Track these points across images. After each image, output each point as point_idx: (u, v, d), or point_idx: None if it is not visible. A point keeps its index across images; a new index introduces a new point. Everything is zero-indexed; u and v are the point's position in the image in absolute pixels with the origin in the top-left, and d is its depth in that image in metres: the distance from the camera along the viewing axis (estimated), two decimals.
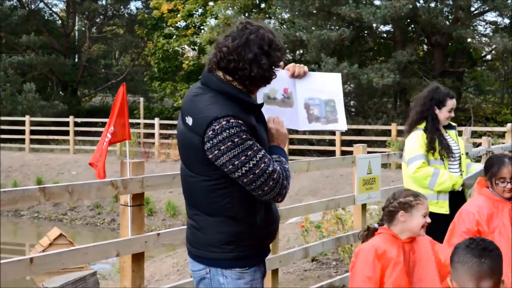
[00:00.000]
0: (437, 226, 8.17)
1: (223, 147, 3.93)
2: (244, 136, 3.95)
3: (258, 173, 3.96)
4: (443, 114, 7.89)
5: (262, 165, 3.96)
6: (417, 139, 7.91)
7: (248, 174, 3.95)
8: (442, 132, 7.95)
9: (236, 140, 3.94)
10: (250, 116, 4.10)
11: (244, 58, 4.02)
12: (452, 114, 7.93)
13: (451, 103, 7.90)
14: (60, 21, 49.23)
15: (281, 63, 4.35)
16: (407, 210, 5.25)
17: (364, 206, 9.66)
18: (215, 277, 4.16)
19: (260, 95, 4.26)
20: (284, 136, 4.24)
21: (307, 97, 4.31)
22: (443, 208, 7.83)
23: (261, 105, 4.22)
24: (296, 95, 4.31)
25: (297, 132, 22.80)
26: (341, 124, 4.36)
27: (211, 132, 3.93)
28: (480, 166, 7.96)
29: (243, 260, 4.15)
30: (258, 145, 4.00)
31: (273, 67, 4.10)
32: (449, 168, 7.88)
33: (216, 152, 3.94)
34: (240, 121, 3.97)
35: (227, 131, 3.93)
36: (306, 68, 4.35)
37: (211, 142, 3.94)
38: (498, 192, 5.90)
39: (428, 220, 5.38)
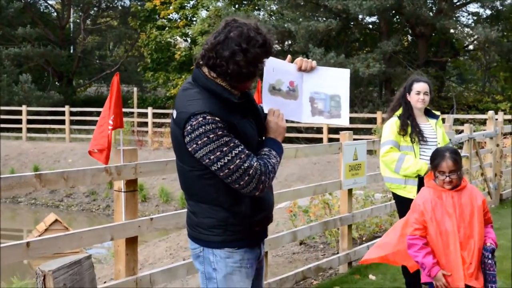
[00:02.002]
0: (405, 210, 8.27)
1: (199, 142, 3.98)
2: (220, 133, 3.99)
3: (233, 169, 3.99)
4: (413, 98, 7.96)
5: (238, 161, 3.98)
6: (390, 126, 8.02)
7: (223, 169, 3.99)
8: (416, 117, 7.99)
9: (211, 136, 3.97)
10: (233, 112, 4.11)
11: (221, 55, 4.03)
12: (423, 97, 7.94)
13: (417, 86, 7.95)
14: (55, 13, 49.07)
15: (289, 57, 4.35)
16: None
17: (350, 191, 9.71)
18: (207, 255, 4.23)
19: (266, 86, 4.24)
20: (283, 129, 4.24)
21: (313, 91, 4.29)
22: (410, 193, 7.89)
23: (243, 102, 4.17)
24: (302, 88, 4.28)
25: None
26: (344, 119, 4.35)
27: (189, 127, 3.99)
28: None
29: (231, 242, 4.19)
30: (236, 141, 4.02)
31: (255, 63, 4.07)
32: (421, 154, 7.92)
33: (194, 146, 4.00)
34: (216, 118, 4.00)
35: (203, 127, 3.98)
36: (314, 63, 4.31)
37: (189, 136, 4.00)
38: (439, 184, 5.98)
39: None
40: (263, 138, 4.30)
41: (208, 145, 3.99)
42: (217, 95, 4.09)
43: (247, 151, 4.03)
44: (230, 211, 4.15)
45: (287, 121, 4.33)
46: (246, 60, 4.02)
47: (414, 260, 6.10)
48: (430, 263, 5.97)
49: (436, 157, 6.11)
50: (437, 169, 6.02)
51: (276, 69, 4.24)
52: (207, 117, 3.99)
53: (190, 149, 4.03)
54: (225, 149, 3.98)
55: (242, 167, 3.99)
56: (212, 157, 3.98)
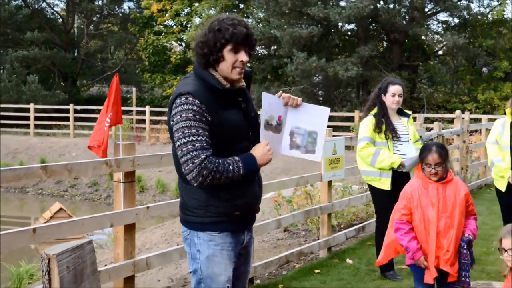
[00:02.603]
0: (379, 200, 8.30)
1: (175, 118, 4.02)
2: (190, 115, 3.98)
3: (184, 151, 3.98)
4: (388, 99, 7.99)
5: (190, 146, 3.95)
6: (366, 124, 8.05)
7: (178, 149, 4.01)
8: (390, 116, 8.01)
9: (183, 115, 3.99)
10: (220, 100, 4.10)
11: (195, 45, 4.14)
12: (397, 99, 7.98)
13: (392, 88, 7.99)
14: (60, 19, 48.86)
15: (280, 92, 4.26)
16: None
17: (330, 183, 9.71)
18: (193, 238, 4.23)
19: (262, 122, 4.17)
20: (266, 161, 4.15)
21: (294, 125, 4.21)
22: (385, 185, 7.96)
23: (230, 92, 4.15)
24: (285, 122, 4.21)
25: None
26: (317, 155, 4.27)
27: (174, 104, 4.04)
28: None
29: (213, 225, 4.17)
30: (200, 131, 3.99)
31: (208, 45, 4.06)
32: (394, 149, 7.97)
33: (172, 121, 4.06)
34: (196, 101, 4.01)
35: (182, 106, 4.00)
36: (299, 100, 4.22)
37: (172, 112, 4.05)
38: (426, 175, 6.00)
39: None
40: (256, 132, 4.25)
41: (179, 123, 4.00)
42: (206, 82, 4.08)
43: (205, 144, 3.98)
44: (210, 193, 4.12)
45: None
46: (203, 41, 4.06)
47: (399, 243, 6.13)
48: (415, 248, 6.00)
49: (424, 151, 6.15)
50: (424, 162, 6.05)
51: (270, 104, 4.17)
52: (189, 98, 4.01)
53: (171, 124, 4.08)
54: (186, 131, 3.98)
55: (191, 154, 3.95)
56: (176, 134, 4.01)
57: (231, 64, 4.05)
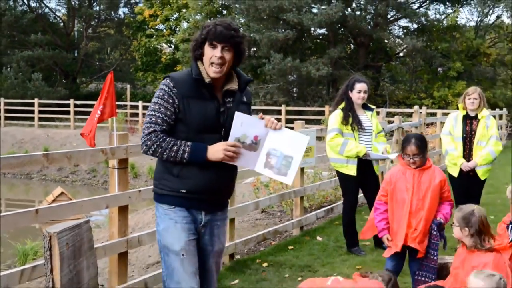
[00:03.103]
0: (346, 185, 8.35)
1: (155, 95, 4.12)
2: (161, 94, 4.05)
3: (145, 122, 4.07)
4: (354, 95, 8.02)
5: (148, 119, 4.03)
6: (334, 117, 8.06)
7: (145, 120, 4.10)
8: (356, 110, 8.04)
9: (157, 93, 4.08)
10: (199, 90, 4.08)
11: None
12: (363, 95, 8.01)
13: (359, 85, 8.02)
14: (62, 23, 48.41)
15: (260, 114, 4.18)
16: None
17: (302, 169, 9.72)
18: (156, 211, 4.24)
19: (232, 138, 4.04)
20: (215, 158, 3.99)
21: (272, 147, 4.09)
22: (351, 171, 8.03)
23: (206, 84, 4.08)
24: (264, 143, 4.10)
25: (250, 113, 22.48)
26: (289, 179, 4.15)
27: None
28: (384, 155, 8.11)
29: (167, 198, 4.14)
30: (164, 108, 4.03)
31: (195, 45, 4.11)
32: (360, 139, 8.02)
33: None
34: (171, 84, 4.05)
35: (160, 86, 4.09)
36: (279, 125, 4.11)
37: None
38: (406, 163, 6.07)
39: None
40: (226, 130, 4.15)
41: (153, 99, 4.10)
42: (191, 72, 4.09)
43: (159, 120, 4.02)
44: (165, 167, 4.13)
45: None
46: (194, 37, 4.13)
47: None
48: (381, 227, 6.20)
49: (404, 141, 6.24)
50: (404, 152, 6.13)
51: (244, 124, 4.05)
52: (167, 80, 4.08)
53: None
54: (153, 106, 4.06)
55: (146, 125, 4.04)
56: (148, 109, 4.10)
57: (208, 58, 4.02)
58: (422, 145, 6.15)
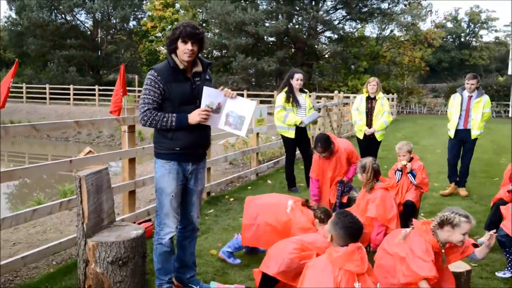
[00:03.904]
0: (287, 145, 8.37)
1: (144, 84, 3.99)
2: (149, 82, 3.93)
3: (141, 103, 3.96)
4: (294, 82, 8.00)
5: (142, 100, 3.94)
6: (280, 97, 8.05)
7: (140, 102, 3.98)
8: (295, 92, 8.04)
9: (146, 82, 3.95)
10: (176, 75, 3.97)
11: (166, 40, 4.08)
12: (300, 82, 8.00)
13: (297, 75, 8.02)
14: (89, 32, 46.91)
15: (221, 87, 4.07)
16: None
17: (257, 134, 9.72)
18: (155, 163, 4.14)
19: (203, 105, 3.98)
20: (194, 121, 3.94)
21: (230, 110, 4.04)
22: (291, 135, 8.09)
23: (181, 69, 3.99)
24: (224, 107, 4.04)
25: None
26: (243, 132, 4.09)
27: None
28: (313, 114, 8.12)
29: (164, 155, 4.06)
30: (153, 91, 3.91)
31: (170, 41, 3.98)
32: (297, 113, 8.03)
33: None
34: (155, 73, 3.93)
35: (148, 76, 3.96)
36: (234, 94, 4.06)
37: None
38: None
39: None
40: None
41: (144, 86, 3.97)
42: (168, 63, 3.99)
43: (151, 101, 3.91)
44: (161, 133, 4.04)
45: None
46: (168, 37, 4.01)
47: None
48: (311, 194, 6.45)
49: (314, 143, 6.33)
50: (315, 150, 6.31)
51: (210, 95, 3.99)
52: (152, 72, 3.96)
53: None
54: (144, 91, 3.94)
55: (142, 105, 3.94)
56: (141, 93, 3.98)
57: (182, 51, 3.93)
58: (325, 145, 6.24)
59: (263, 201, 5.07)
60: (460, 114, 8.02)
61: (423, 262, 3.46)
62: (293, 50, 37.55)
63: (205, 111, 3.96)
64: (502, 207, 5.07)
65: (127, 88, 15.08)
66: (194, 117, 3.95)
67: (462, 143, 8.18)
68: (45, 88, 36.77)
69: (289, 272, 3.87)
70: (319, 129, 12.96)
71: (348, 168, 6.43)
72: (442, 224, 3.57)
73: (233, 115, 4.09)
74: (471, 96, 7.98)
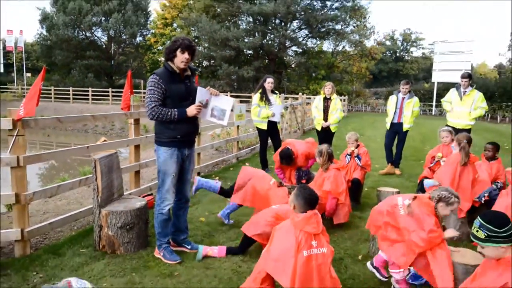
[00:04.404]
0: (261, 135, 8.29)
1: (148, 86, 3.90)
2: (153, 84, 3.85)
3: (147, 102, 3.86)
4: (266, 84, 7.93)
5: (149, 99, 3.84)
6: (256, 97, 7.99)
7: (145, 102, 3.88)
8: (268, 93, 7.98)
9: (150, 84, 3.86)
10: (173, 79, 3.91)
11: (164, 50, 3.99)
12: (271, 85, 7.90)
13: (269, 79, 7.92)
14: (104, 45, 45.88)
15: (208, 87, 4.08)
16: None
17: (238, 126, 9.67)
18: (157, 149, 4.07)
19: (197, 102, 3.98)
20: (191, 114, 3.93)
21: (214, 105, 4.07)
22: (264, 126, 7.99)
23: (178, 74, 3.95)
24: (210, 103, 4.07)
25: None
26: (225, 122, 4.11)
27: (149, 78, 3.90)
28: (277, 106, 8.03)
29: (166, 143, 4.00)
30: (155, 93, 3.83)
31: (168, 51, 3.91)
32: (269, 109, 7.96)
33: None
34: (157, 77, 3.87)
35: (150, 79, 3.88)
36: (218, 92, 4.09)
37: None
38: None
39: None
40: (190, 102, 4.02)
41: (148, 88, 3.88)
42: (166, 68, 3.93)
43: (156, 99, 3.84)
44: (163, 125, 3.97)
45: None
46: (167, 47, 3.93)
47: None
48: (279, 176, 6.36)
49: (279, 157, 6.22)
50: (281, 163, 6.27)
51: (202, 94, 3.99)
52: (155, 76, 3.88)
53: None
54: (150, 92, 3.86)
55: (149, 103, 3.85)
56: (146, 95, 3.89)
57: (180, 59, 3.91)
58: (288, 161, 6.14)
59: (255, 170, 5.19)
60: (395, 111, 8.13)
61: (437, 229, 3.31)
62: (266, 61, 37.40)
63: (199, 106, 3.98)
64: (425, 181, 5.19)
65: (134, 90, 14.80)
66: (191, 110, 3.95)
67: (396, 134, 8.28)
68: (69, 91, 36.17)
69: (264, 235, 3.98)
70: (287, 123, 12.96)
71: (307, 162, 6.42)
72: (439, 200, 3.40)
73: (217, 109, 4.12)
74: (404, 97, 8.09)
